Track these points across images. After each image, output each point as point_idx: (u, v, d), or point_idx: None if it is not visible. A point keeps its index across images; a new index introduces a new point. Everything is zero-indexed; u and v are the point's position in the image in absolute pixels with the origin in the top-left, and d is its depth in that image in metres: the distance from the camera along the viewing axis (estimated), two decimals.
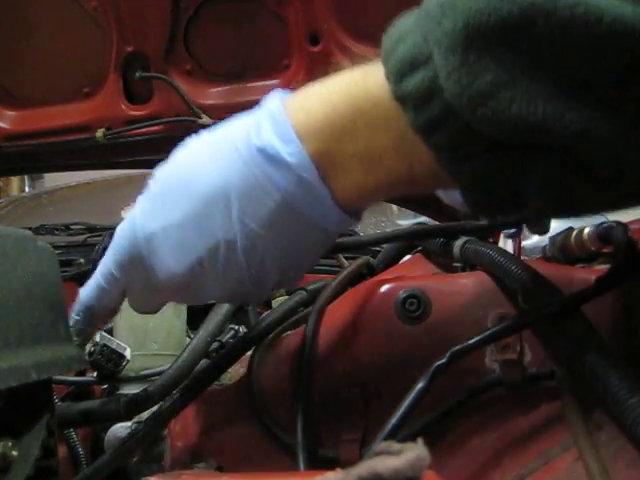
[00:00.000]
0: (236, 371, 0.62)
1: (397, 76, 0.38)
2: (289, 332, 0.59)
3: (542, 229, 0.60)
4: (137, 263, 0.47)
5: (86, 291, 0.50)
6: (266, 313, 0.64)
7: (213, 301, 0.52)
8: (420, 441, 0.25)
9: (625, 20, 0.29)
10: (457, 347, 0.45)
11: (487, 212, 0.41)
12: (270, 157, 0.42)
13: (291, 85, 1.38)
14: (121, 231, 0.47)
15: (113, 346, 0.59)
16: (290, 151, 0.41)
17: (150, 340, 0.82)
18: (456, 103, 0.35)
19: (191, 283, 0.46)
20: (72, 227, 1.56)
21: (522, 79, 0.33)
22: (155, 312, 0.51)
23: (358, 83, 0.41)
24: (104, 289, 0.49)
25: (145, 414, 0.57)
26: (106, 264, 0.48)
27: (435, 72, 0.36)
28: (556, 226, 0.57)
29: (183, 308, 0.88)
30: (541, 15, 0.31)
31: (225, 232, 0.44)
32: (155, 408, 0.55)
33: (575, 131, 0.33)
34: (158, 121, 1.40)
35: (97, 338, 0.59)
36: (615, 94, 0.32)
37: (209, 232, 0.44)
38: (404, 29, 0.39)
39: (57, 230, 1.54)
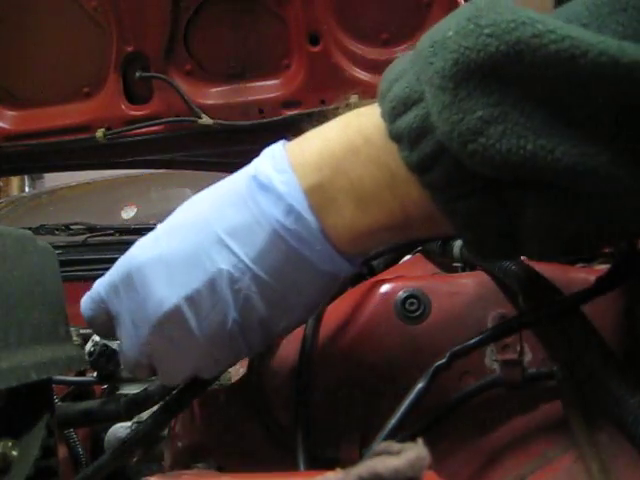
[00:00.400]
0: (236, 371, 0.62)
1: (392, 115, 0.38)
2: None
3: None
4: (127, 289, 0.46)
5: (83, 301, 0.50)
6: None
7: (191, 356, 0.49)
8: (420, 441, 0.25)
9: (610, 54, 0.30)
10: (457, 347, 0.45)
11: (484, 253, 0.41)
12: (263, 185, 0.43)
13: (291, 85, 1.38)
14: (120, 259, 0.48)
15: (114, 346, 0.59)
16: (282, 180, 0.42)
17: None
18: (447, 140, 0.35)
19: (177, 320, 0.45)
20: (72, 227, 1.56)
21: (512, 114, 0.33)
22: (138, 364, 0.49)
23: (352, 122, 0.42)
24: (92, 308, 0.49)
25: (145, 414, 0.57)
26: (99, 283, 0.49)
27: (427, 110, 0.36)
28: None
29: None
30: (528, 50, 0.32)
31: (214, 262, 0.44)
32: (155, 408, 0.55)
33: (567, 165, 0.33)
34: (158, 121, 1.40)
35: (97, 338, 0.59)
36: (606, 127, 0.32)
37: (200, 262, 0.44)
38: (399, 69, 0.40)
39: (57, 230, 1.54)
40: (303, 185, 0.42)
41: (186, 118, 1.37)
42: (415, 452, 0.24)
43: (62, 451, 0.64)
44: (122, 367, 0.50)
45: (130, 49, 1.37)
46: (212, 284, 0.44)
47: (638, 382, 0.39)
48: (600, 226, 0.36)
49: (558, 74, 0.32)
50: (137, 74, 1.39)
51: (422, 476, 0.24)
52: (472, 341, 0.46)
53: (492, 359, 0.49)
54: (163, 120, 1.40)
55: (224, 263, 0.43)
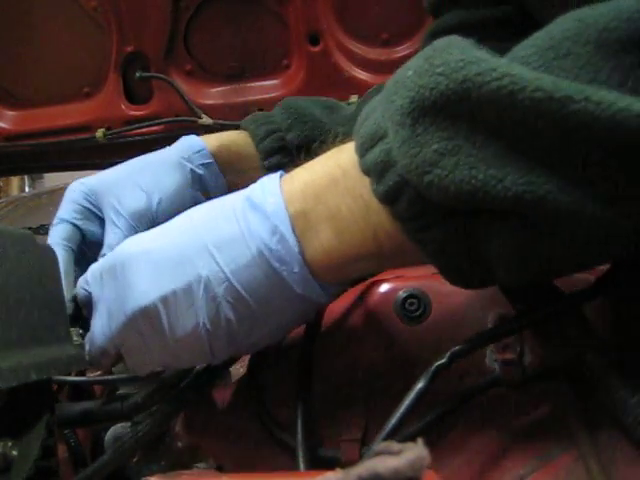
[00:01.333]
0: (236, 371, 0.62)
1: (362, 150, 0.42)
2: None
3: None
4: (109, 278, 0.49)
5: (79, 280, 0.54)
6: None
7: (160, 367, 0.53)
8: (420, 441, 0.25)
9: (545, 90, 0.32)
10: (457, 347, 0.45)
11: (460, 281, 0.43)
12: (254, 205, 0.46)
13: (291, 85, 1.38)
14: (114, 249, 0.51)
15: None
16: (271, 202, 0.45)
17: None
18: (407, 173, 0.38)
19: (150, 316, 0.47)
20: None
21: (465, 147, 0.36)
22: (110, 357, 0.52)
23: (334, 156, 0.46)
24: (81, 288, 0.53)
25: (145, 414, 0.57)
26: (91, 267, 0.53)
27: (390, 146, 0.39)
28: None
29: None
30: (474, 87, 0.34)
31: (195, 267, 0.46)
32: (155, 408, 0.55)
33: (516, 194, 0.34)
34: (158, 121, 1.40)
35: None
36: (550, 157, 0.34)
37: (182, 265, 0.47)
38: (370, 108, 0.43)
39: None
40: (290, 210, 0.45)
41: (186, 118, 1.37)
42: (415, 452, 0.24)
43: (62, 451, 0.64)
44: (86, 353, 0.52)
45: (130, 49, 1.37)
46: (189, 287, 0.46)
47: (637, 381, 0.39)
48: (567, 254, 0.37)
49: (501, 109, 0.34)
50: (137, 74, 1.39)
51: (422, 476, 0.24)
52: (472, 341, 0.46)
53: (492, 359, 0.49)
54: (163, 120, 1.40)
55: (205, 269, 0.46)
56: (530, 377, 0.48)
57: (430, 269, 0.45)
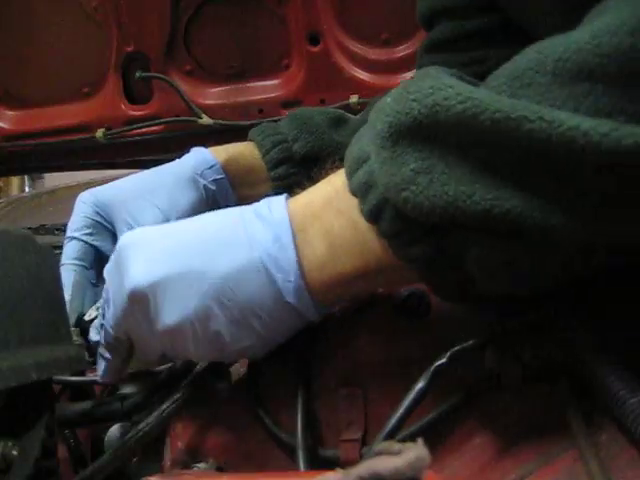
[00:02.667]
0: (236, 371, 0.62)
1: (349, 173, 0.45)
2: None
3: None
4: (115, 266, 0.51)
5: None
6: None
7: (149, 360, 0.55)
8: (420, 441, 0.25)
9: (503, 110, 0.35)
10: (457, 347, 0.45)
11: (450, 296, 0.45)
12: (260, 215, 0.49)
13: (291, 85, 1.38)
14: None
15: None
16: (277, 214, 0.48)
17: None
18: (386, 191, 0.41)
19: (142, 302, 0.49)
20: None
21: (438, 166, 0.38)
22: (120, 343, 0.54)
23: (331, 179, 0.49)
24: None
25: (145, 414, 0.57)
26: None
27: (372, 167, 0.42)
28: None
29: None
30: (442, 111, 0.37)
31: (193, 260, 0.48)
32: (155, 408, 0.55)
33: (484, 209, 0.37)
34: (158, 121, 1.40)
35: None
36: (515, 174, 0.36)
37: (177, 254, 0.48)
38: (358, 135, 0.47)
39: (57, 230, 1.54)
40: (292, 225, 0.47)
41: (186, 118, 1.37)
42: (415, 452, 0.25)
43: (62, 451, 0.64)
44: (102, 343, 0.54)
45: (130, 49, 1.37)
46: (181, 277, 0.47)
47: (637, 381, 0.39)
48: (540, 266, 0.40)
49: (467, 129, 0.37)
50: (137, 74, 1.39)
51: (422, 476, 0.24)
52: (472, 341, 0.46)
53: (492, 359, 0.49)
54: (163, 120, 1.40)
55: (200, 263, 0.47)
56: (530, 377, 0.48)
57: None
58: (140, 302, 0.48)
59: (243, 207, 0.50)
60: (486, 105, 0.36)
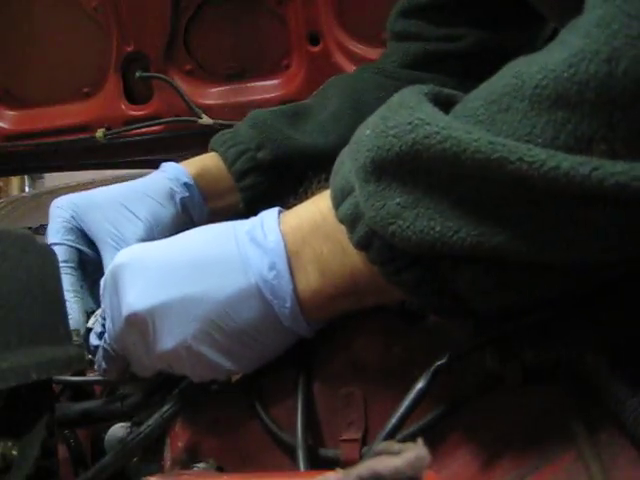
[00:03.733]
0: None
1: (335, 203, 0.45)
2: None
3: None
4: (111, 285, 0.52)
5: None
6: None
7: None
8: (420, 441, 0.25)
9: (483, 152, 0.35)
10: (457, 347, 0.45)
11: (440, 314, 0.46)
12: (255, 240, 0.49)
13: (291, 85, 1.38)
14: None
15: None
16: (271, 238, 0.48)
17: None
18: (373, 224, 0.41)
19: (140, 326, 0.50)
20: None
21: (423, 201, 0.39)
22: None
23: (317, 202, 0.49)
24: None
25: (145, 414, 0.57)
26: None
27: (357, 200, 0.43)
28: None
29: None
30: (423, 149, 0.37)
31: (192, 284, 0.49)
32: (155, 408, 0.55)
33: (471, 243, 0.37)
34: (158, 121, 1.40)
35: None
36: (499, 210, 0.37)
37: (174, 278, 0.49)
38: (340, 161, 0.47)
39: None
40: (286, 250, 0.48)
41: (186, 118, 1.37)
42: (415, 452, 0.24)
43: (62, 451, 0.64)
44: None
45: (130, 49, 1.37)
46: (179, 302, 0.48)
47: (637, 381, 0.39)
48: (527, 291, 0.41)
49: (449, 168, 0.37)
50: (137, 74, 1.39)
51: (422, 476, 0.24)
52: (472, 341, 0.46)
53: (492, 359, 0.49)
54: (163, 120, 1.40)
55: (198, 287, 0.48)
56: (530, 377, 0.48)
57: None
58: (137, 325, 0.50)
59: (236, 225, 0.51)
60: (466, 145, 0.36)
